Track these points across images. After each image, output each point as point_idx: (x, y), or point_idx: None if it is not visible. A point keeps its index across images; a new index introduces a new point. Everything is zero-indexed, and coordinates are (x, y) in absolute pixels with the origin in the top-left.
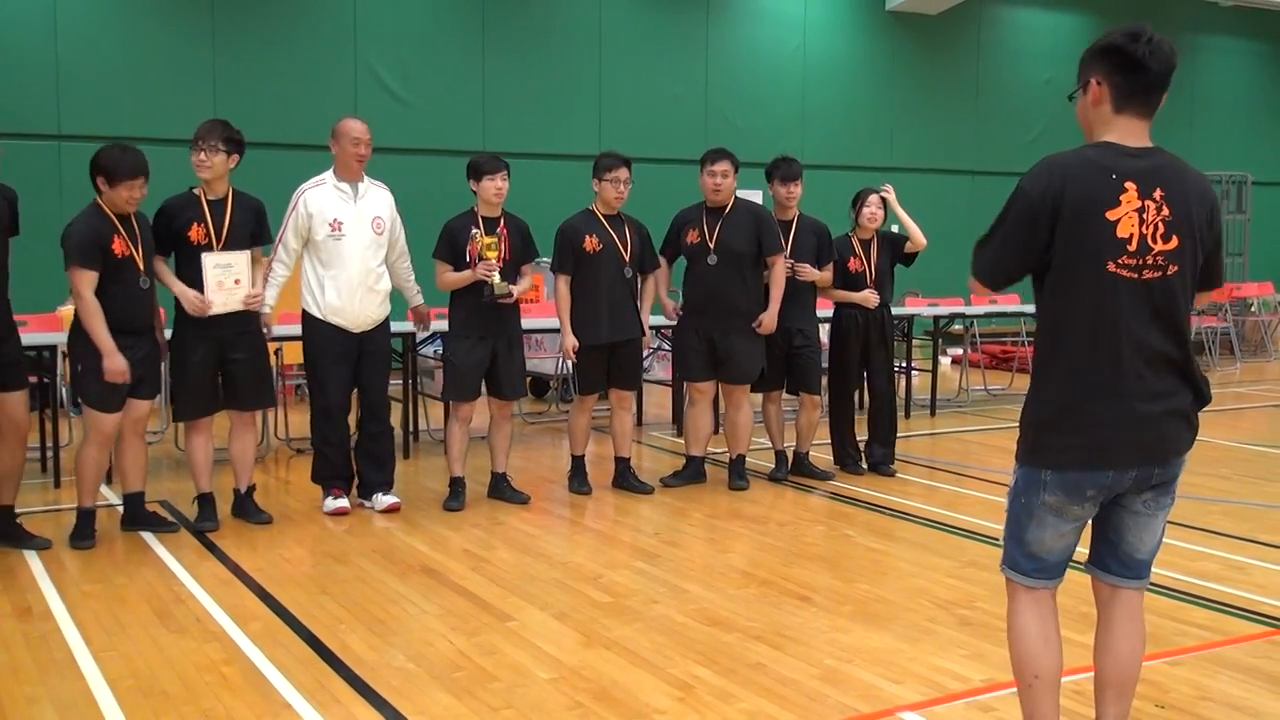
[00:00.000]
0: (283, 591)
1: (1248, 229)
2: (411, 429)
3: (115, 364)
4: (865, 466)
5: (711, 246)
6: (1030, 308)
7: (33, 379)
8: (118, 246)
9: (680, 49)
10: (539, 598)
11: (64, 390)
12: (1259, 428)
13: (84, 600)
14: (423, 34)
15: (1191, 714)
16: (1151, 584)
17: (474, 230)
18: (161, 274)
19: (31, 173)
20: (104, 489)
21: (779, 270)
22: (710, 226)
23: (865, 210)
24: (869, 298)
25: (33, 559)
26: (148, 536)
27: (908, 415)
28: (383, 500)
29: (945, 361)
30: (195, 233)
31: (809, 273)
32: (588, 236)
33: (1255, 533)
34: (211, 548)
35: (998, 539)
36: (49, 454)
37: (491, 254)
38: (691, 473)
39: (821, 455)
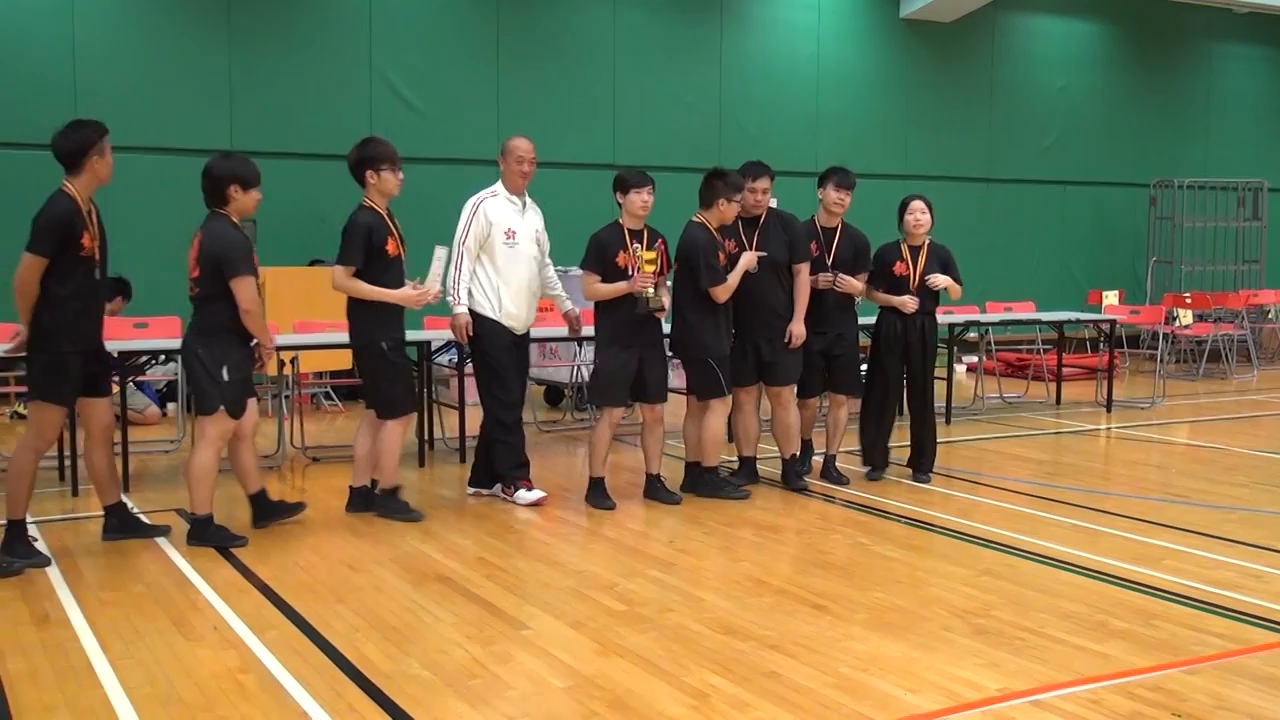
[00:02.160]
0: (299, 600)
1: (1264, 236)
2: (426, 437)
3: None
4: (873, 475)
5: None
6: (1046, 315)
7: None
8: (254, 261)
9: (694, 57)
10: (554, 606)
11: None
12: (1276, 435)
13: (102, 608)
14: (437, 43)
15: None
16: (1168, 592)
17: (635, 245)
18: (365, 288)
19: (50, 183)
20: (122, 497)
21: (804, 278)
22: (749, 236)
23: (908, 217)
24: (907, 302)
25: (51, 567)
26: (163, 543)
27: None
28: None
29: (960, 369)
30: (391, 246)
31: (849, 284)
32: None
33: (1272, 541)
34: (228, 556)
35: (1014, 547)
36: (66, 463)
37: (650, 268)
38: (749, 472)
39: (845, 465)
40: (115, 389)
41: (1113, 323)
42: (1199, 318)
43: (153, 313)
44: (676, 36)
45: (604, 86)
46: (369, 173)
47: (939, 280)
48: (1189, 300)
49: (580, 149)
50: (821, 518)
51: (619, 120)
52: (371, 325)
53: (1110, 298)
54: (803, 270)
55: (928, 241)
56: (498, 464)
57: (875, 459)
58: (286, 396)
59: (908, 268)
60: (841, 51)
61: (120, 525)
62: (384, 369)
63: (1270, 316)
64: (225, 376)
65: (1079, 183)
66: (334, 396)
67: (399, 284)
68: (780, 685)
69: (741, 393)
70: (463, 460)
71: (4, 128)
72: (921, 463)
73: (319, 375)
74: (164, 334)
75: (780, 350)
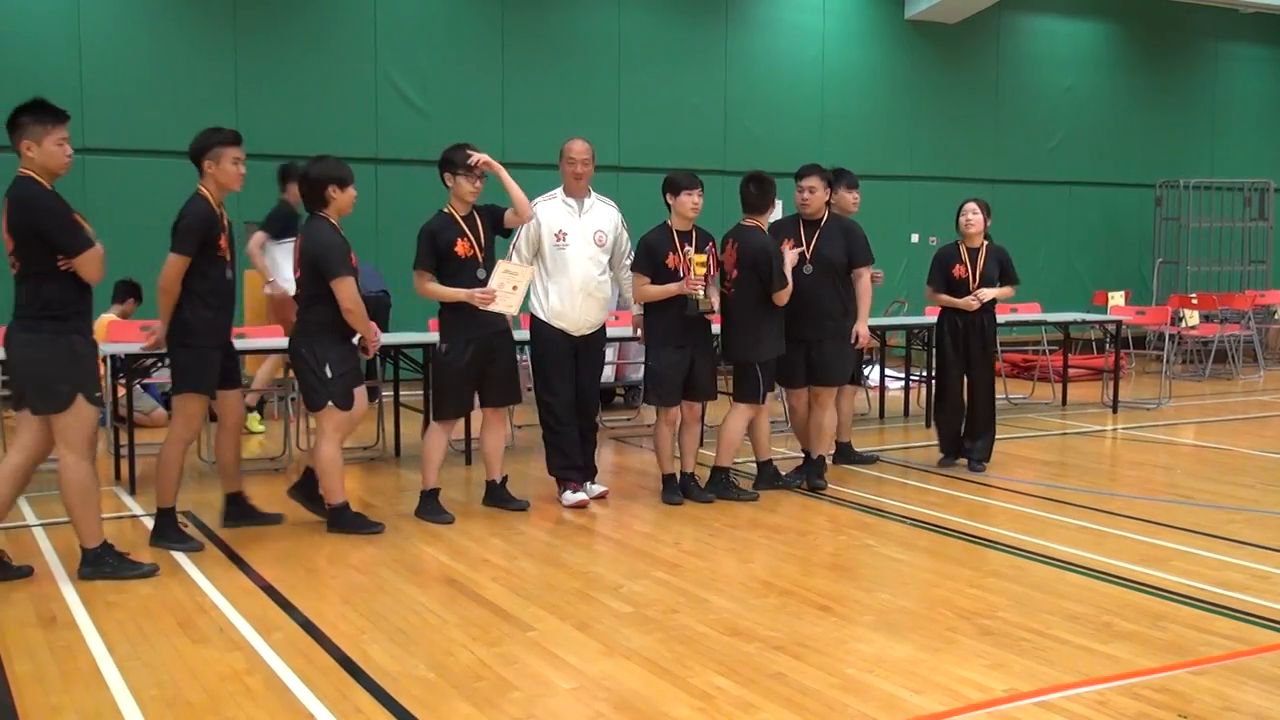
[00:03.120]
0: (305, 601)
1: (1270, 236)
2: None
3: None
4: (946, 462)
5: (808, 257)
6: (1052, 316)
7: None
8: (353, 261)
9: (699, 59)
10: (559, 607)
11: None
12: None
13: (108, 610)
14: (442, 46)
15: None
16: (1175, 593)
17: (687, 248)
18: (437, 290)
19: (57, 186)
20: (128, 499)
21: (865, 281)
22: (807, 238)
23: (961, 218)
24: (970, 303)
25: (57, 568)
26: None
27: (928, 424)
28: (593, 488)
29: None
30: (461, 248)
31: (986, 293)
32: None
33: (1279, 542)
34: (234, 558)
35: (1020, 548)
36: None
37: (701, 270)
38: (815, 469)
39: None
40: (120, 392)
41: (1119, 323)
42: (1205, 318)
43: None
44: (681, 39)
45: (609, 88)
46: (446, 175)
47: (986, 294)
48: (1195, 301)
49: None
50: (828, 519)
51: (624, 122)
52: (443, 326)
53: (1116, 298)
54: (864, 274)
55: (985, 243)
56: (548, 463)
57: (945, 449)
58: (293, 399)
59: (967, 269)
60: (846, 53)
61: (239, 513)
62: (438, 370)
63: (1277, 317)
64: (329, 373)
65: (1085, 183)
66: None
67: (472, 286)
68: (786, 686)
69: (794, 395)
70: (468, 462)
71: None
72: (977, 453)
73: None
74: None
75: (829, 351)
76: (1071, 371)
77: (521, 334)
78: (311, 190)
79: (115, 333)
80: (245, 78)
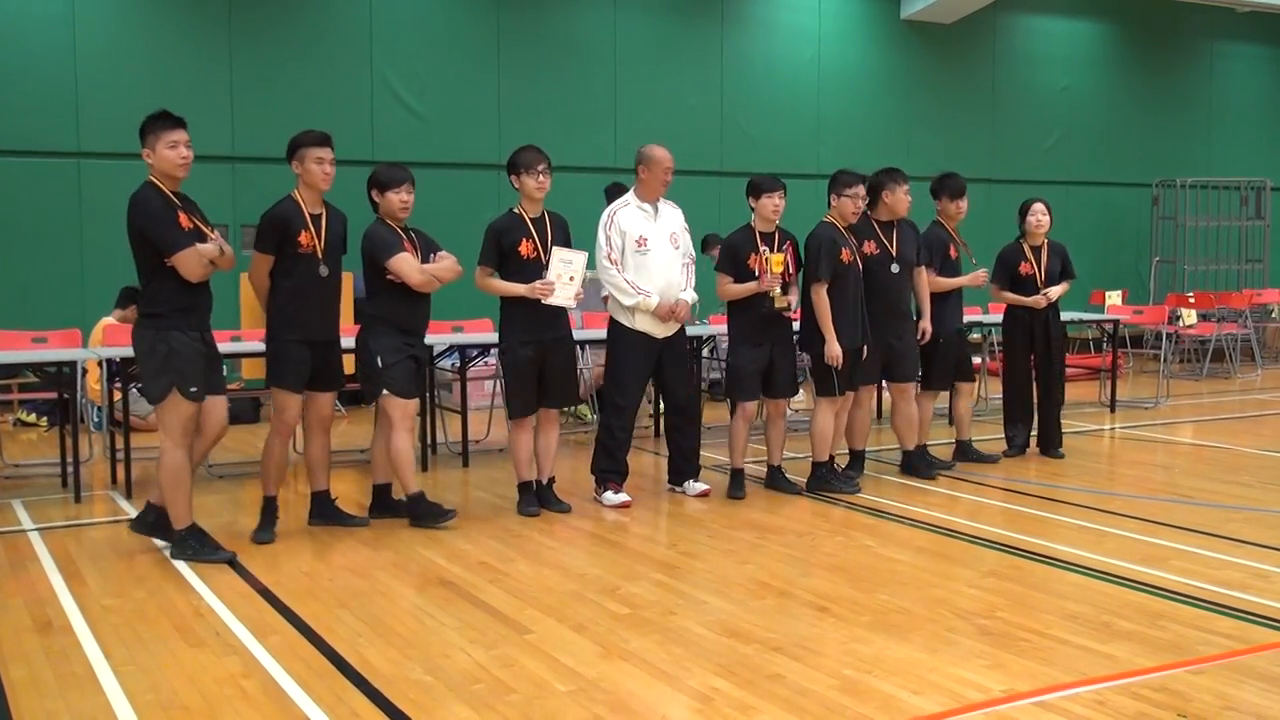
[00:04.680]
0: (301, 605)
1: (1267, 235)
2: (429, 441)
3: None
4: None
5: (894, 256)
6: None
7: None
8: (408, 248)
9: (695, 60)
10: (557, 610)
11: (85, 405)
12: None
13: (104, 614)
14: (438, 48)
15: None
16: (1174, 593)
17: (763, 248)
18: (497, 284)
19: (52, 190)
20: (124, 503)
21: (924, 279)
22: (888, 238)
23: (1030, 218)
24: (1039, 300)
25: (53, 573)
26: (167, 551)
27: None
28: (695, 486)
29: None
30: (525, 248)
31: (1056, 292)
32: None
33: (1279, 540)
34: (231, 562)
35: (1019, 548)
36: (69, 469)
37: (779, 269)
38: (861, 464)
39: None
40: (118, 394)
41: (1116, 323)
42: (1202, 317)
43: None
44: (677, 40)
45: (605, 90)
46: (513, 178)
47: (1054, 292)
48: (1192, 300)
49: (581, 153)
50: (825, 520)
51: (620, 124)
52: (505, 325)
53: (1113, 298)
54: (923, 272)
55: (1047, 241)
56: (592, 462)
57: (1015, 441)
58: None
59: (1032, 267)
60: (843, 53)
61: (323, 513)
62: (504, 370)
63: (1274, 316)
64: (380, 364)
65: (1081, 183)
66: (337, 402)
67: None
68: (784, 688)
69: (864, 391)
70: (465, 464)
71: (5, 136)
72: (1050, 441)
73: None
74: None
75: (907, 349)
76: (1069, 371)
77: (584, 334)
78: (366, 194)
79: (111, 336)
80: (240, 81)
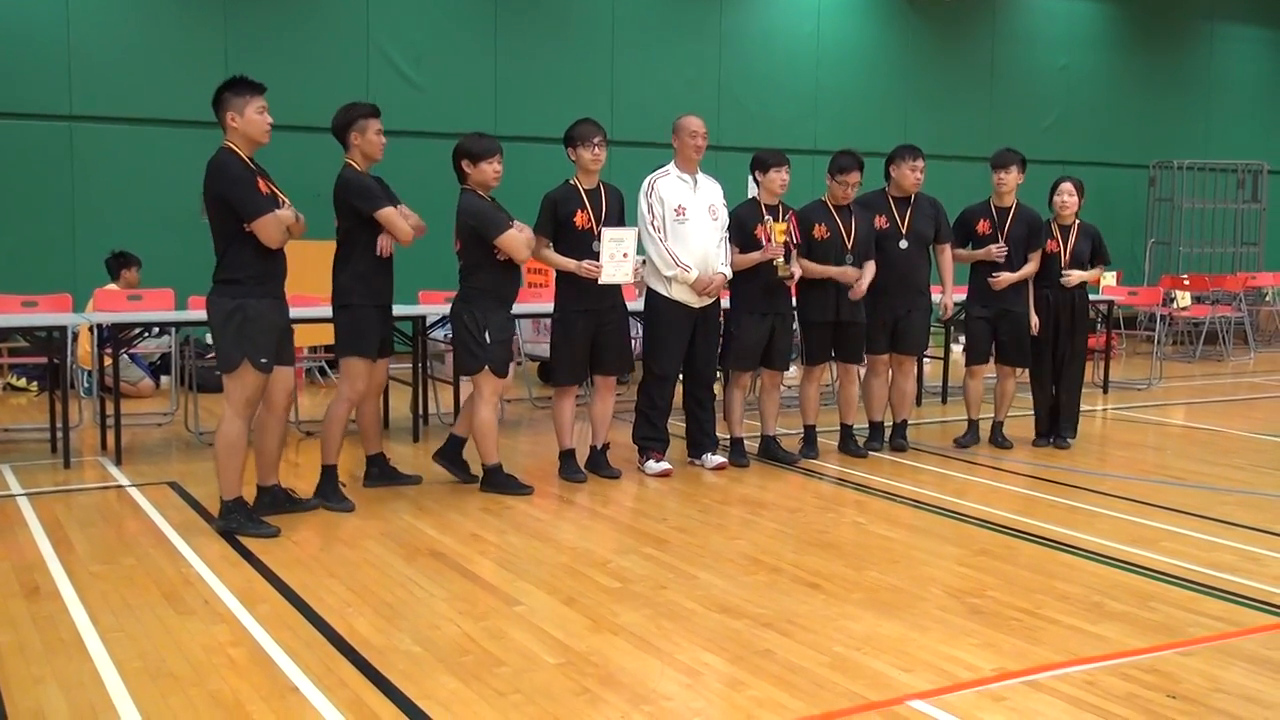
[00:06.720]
0: (290, 574)
1: (1263, 218)
2: (421, 413)
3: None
4: (1038, 443)
5: (903, 231)
6: None
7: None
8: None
9: (693, 34)
10: (547, 582)
11: (75, 370)
12: (1273, 418)
13: (92, 581)
14: (435, 18)
15: (1204, 705)
16: (1165, 574)
17: (766, 217)
18: (550, 256)
19: (44, 154)
20: (114, 470)
21: (948, 257)
22: (900, 213)
23: (1056, 198)
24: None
25: (41, 539)
26: (156, 518)
27: (919, 402)
28: (713, 459)
29: (956, 349)
30: (580, 219)
31: (1077, 276)
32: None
33: (1270, 524)
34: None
35: (1009, 527)
36: (59, 435)
37: (782, 237)
38: (881, 434)
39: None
40: (107, 362)
41: (1110, 304)
42: (1197, 299)
43: (149, 284)
44: (676, 13)
45: (602, 63)
46: (569, 150)
47: (1075, 277)
48: (1187, 282)
49: None
50: (818, 496)
51: (617, 97)
52: (560, 294)
53: (1108, 278)
54: (946, 250)
55: (1078, 221)
56: (634, 430)
57: (1042, 427)
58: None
59: (1058, 245)
60: (842, 29)
61: (380, 474)
62: (553, 338)
63: (1268, 299)
64: (488, 339)
65: (1079, 163)
66: (329, 371)
67: (586, 258)
68: (774, 664)
69: (878, 361)
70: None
71: None
72: (1065, 427)
73: (314, 350)
74: (157, 306)
75: (917, 323)
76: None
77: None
78: (454, 165)
79: (102, 302)
80: (236, 48)
